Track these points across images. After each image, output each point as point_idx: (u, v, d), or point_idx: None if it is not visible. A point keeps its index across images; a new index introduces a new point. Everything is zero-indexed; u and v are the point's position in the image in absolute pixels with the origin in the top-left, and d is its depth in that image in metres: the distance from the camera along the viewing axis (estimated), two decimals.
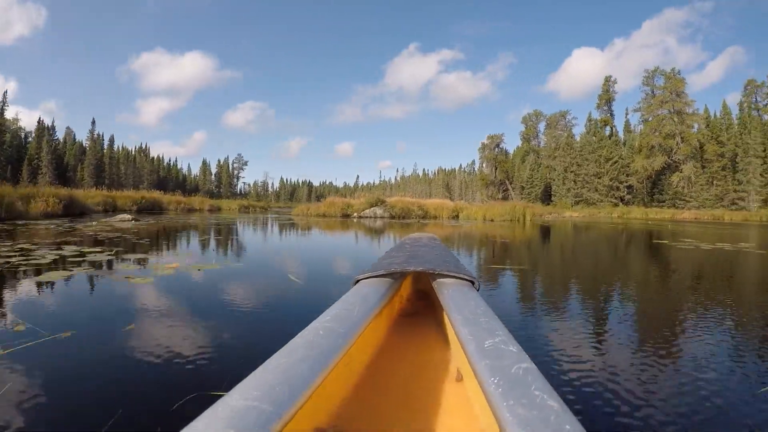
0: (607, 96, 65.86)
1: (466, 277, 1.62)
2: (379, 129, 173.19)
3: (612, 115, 65.97)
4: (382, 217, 26.42)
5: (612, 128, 65.14)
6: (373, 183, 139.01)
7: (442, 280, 1.60)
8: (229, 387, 0.74)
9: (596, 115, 66.10)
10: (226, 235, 12.54)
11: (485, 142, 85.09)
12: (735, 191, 50.07)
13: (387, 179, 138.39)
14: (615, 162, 58.57)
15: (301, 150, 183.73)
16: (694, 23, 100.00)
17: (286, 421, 0.69)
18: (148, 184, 71.66)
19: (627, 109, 66.99)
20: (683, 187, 52.36)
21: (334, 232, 14.87)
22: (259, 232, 14.62)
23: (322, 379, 0.86)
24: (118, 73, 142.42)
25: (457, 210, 30.55)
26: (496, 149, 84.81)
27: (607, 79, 66.87)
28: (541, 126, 79.77)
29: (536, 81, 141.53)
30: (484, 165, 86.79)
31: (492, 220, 26.55)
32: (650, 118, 57.53)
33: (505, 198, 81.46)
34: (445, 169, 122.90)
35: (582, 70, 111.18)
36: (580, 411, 1.77)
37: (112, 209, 27.41)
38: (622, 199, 58.06)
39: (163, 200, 35.47)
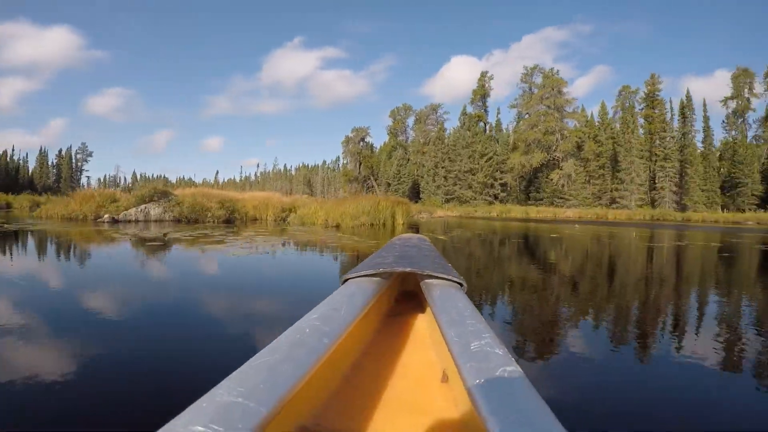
0: (482, 91, 59.89)
1: (454, 279, 1.59)
2: (251, 124, 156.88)
3: (486, 111, 60.45)
4: (159, 221, 17.05)
5: (486, 124, 59.48)
6: (234, 179, 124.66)
7: (430, 281, 1.57)
8: (216, 382, 0.74)
9: (470, 111, 59.98)
10: None
11: (350, 135, 75.95)
12: (616, 190, 46.50)
13: (247, 175, 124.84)
14: (490, 158, 52.09)
15: (168, 144, 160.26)
16: (571, 43, 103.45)
17: (270, 418, 0.68)
18: None
19: (499, 109, 62.86)
20: (563, 185, 47.52)
21: None
22: None
23: (307, 378, 0.85)
24: None
25: (291, 207, 19.24)
26: (361, 143, 75.94)
27: (483, 74, 60.98)
28: (410, 121, 72.60)
29: (415, 84, 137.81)
30: (348, 160, 77.95)
31: (337, 226, 15.30)
32: (527, 115, 52.60)
33: None
34: (307, 165, 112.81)
35: (458, 77, 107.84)
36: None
37: None
38: (496, 197, 51.70)
39: None
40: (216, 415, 0.63)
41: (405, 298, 2.14)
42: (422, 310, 1.90)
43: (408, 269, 1.61)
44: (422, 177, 59.86)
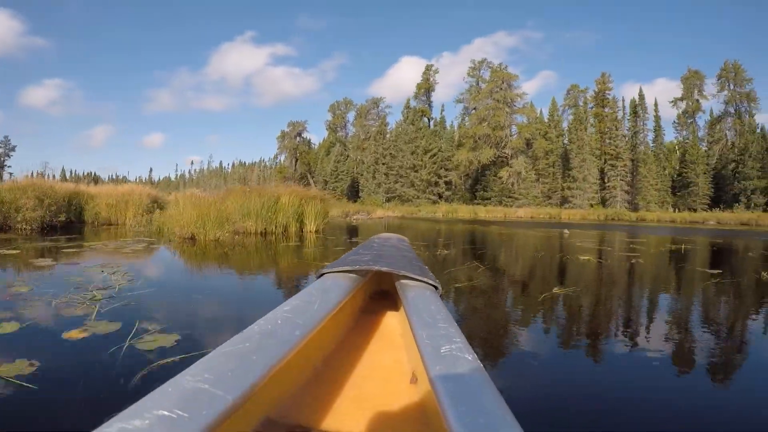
0: (427, 85, 55.22)
1: (429, 282, 1.57)
2: (194, 120, 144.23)
3: (430, 106, 55.77)
4: None
5: (430, 119, 54.78)
6: (170, 177, 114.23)
7: (405, 282, 1.56)
8: (183, 367, 0.71)
9: (414, 105, 54.97)
10: None
11: (286, 129, 69.68)
12: (568, 188, 42.83)
13: (181, 173, 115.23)
14: (434, 154, 47.21)
15: (107, 140, 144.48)
16: (521, 49, 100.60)
17: (237, 407, 0.67)
18: None
19: (443, 106, 58.26)
20: (513, 183, 43.29)
21: None
22: None
23: (276, 369, 0.83)
24: None
25: (160, 203, 13.52)
26: (298, 138, 69.83)
27: (428, 68, 56.25)
28: (351, 116, 67.14)
29: (363, 84, 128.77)
30: (283, 156, 71.57)
31: (192, 238, 8.72)
32: (473, 110, 48.39)
33: None
34: (245, 163, 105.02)
35: (406, 78, 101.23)
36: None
37: None
38: (440, 196, 46.86)
39: None
40: (181, 401, 0.61)
41: (380, 297, 2.09)
42: (396, 310, 1.86)
43: (384, 268, 1.58)
44: (362, 174, 54.60)
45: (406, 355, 1.45)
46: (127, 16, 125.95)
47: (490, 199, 44.13)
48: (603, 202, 43.43)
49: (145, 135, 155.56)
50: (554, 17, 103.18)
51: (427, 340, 0.99)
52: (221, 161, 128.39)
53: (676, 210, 42.03)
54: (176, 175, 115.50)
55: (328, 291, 1.33)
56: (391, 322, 1.76)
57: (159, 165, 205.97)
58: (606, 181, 43.73)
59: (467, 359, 0.87)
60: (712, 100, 46.39)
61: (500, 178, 43.76)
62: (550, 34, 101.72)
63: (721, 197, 42.17)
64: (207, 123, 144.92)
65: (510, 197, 43.06)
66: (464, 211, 38.87)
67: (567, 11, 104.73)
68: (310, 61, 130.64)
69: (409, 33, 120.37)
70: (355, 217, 26.60)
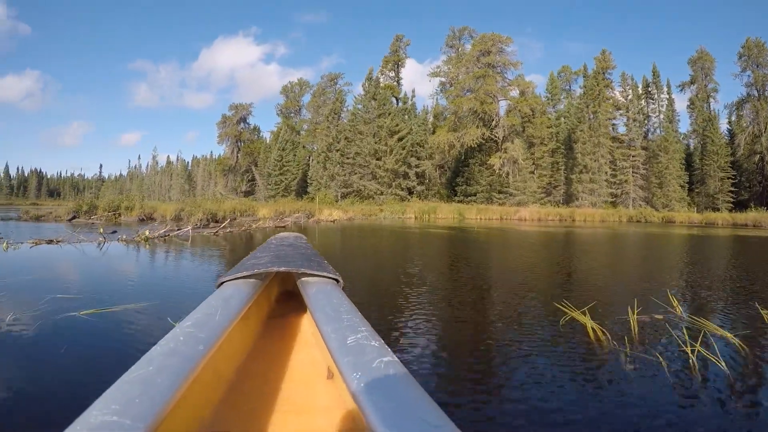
0: (396, 58, 44.04)
1: (330, 276, 1.53)
2: (175, 117, 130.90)
3: (399, 84, 44.40)
4: None
5: (398, 99, 43.12)
6: (122, 174, 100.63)
7: (306, 279, 1.51)
8: (89, 402, 0.66)
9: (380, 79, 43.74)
10: None
11: (228, 114, 57.05)
12: (579, 182, 31.98)
13: (131, 169, 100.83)
14: (403, 137, 35.57)
15: (85, 137, 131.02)
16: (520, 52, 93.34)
17: None
18: None
19: (414, 90, 47.43)
20: (507, 174, 32.31)
21: None
22: None
23: (186, 387, 0.80)
24: None
25: None
26: (242, 125, 57.52)
27: (398, 38, 45.07)
28: (307, 99, 55.04)
29: (354, 84, 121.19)
30: (225, 145, 58.89)
31: None
32: (449, 86, 37.76)
33: (250, 192, 55.05)
34: (197, 157, 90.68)
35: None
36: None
37: None
38: (411, 191, 35.35)
39: None
40: None
41: (286, 298, 2.00)
42: (304, 309, 1.78)
43: (283, 269, 1.52)
44: (311, 165, 42.67)
45: (320, 353, 1.38)
46: (112, 7, 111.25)
47: (475, 195, 33.01)
48: (612, 200, 33.45)
49: (124, 132, 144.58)
50: (550, 24, 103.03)
51: (333, 334, 0.96)
52: (168, 156, 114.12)
53: (695, 210, 32.66)
54: (128, 170, 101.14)
55: (229, 299, 1.23)
56: (301, 321, 1.69)
57: (125, 161, 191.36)
58: (616, 174, 33.67)
59: (374, 346, 0.86)
60: (733, 82, 37.46)
61: (490, 167, 32.54)
62: (547, 42, 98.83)
63: (741, 194, 33.24)
64: (187, 119, 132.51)
65: (502, 192, 32.18)
66: (446, 211, 27.39)
67: (563, 19, 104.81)
68: (304, 60, 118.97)
69: (408, 34, 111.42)
70: (266, 225, 15.10)
